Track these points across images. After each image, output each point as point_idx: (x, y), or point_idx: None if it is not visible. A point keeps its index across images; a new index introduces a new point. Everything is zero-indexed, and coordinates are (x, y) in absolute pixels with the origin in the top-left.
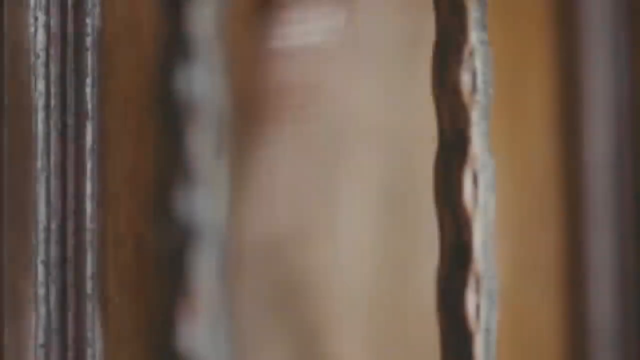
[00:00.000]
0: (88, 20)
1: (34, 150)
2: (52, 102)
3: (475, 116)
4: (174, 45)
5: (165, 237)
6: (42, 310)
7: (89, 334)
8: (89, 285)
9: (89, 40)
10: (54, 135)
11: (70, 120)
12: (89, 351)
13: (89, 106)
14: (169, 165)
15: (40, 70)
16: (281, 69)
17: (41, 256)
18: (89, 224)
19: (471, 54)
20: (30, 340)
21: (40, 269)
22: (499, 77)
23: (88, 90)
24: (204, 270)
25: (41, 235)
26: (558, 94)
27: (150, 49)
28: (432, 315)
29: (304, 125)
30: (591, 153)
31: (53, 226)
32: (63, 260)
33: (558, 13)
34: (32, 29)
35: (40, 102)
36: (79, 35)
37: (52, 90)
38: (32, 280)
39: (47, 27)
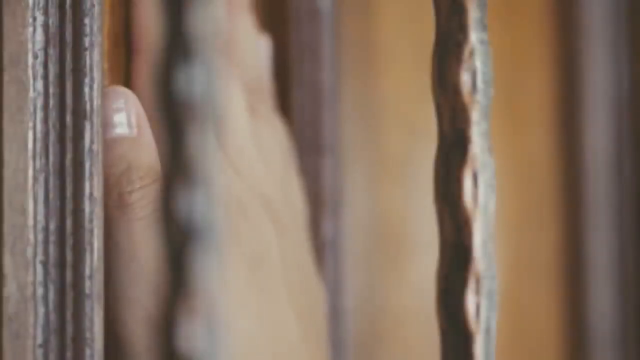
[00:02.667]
0: (87, 20)
1: (32, 150)
2: (51, 102)
3: (475, 116)
4: (174, 45)
5: (165, 237)
6: (41, 310)
7: (88, 334)
8: (87, 285)
9: (87, 41)
10: (52, 135)
11: (69, 121)
12: (87, 351)
13: (88, 106)
14: (169, 165)
15: (39, 70)
16: None
17: (40, 256)
18: (87, 224)
19: (471, 54)
20: (29, 340)
21: (39, 269)
22: (499, 77)
23: (86, 90)
24: (204, 270)
25: (40, 236)
26: (558, 94)
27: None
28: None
29: None
30: (591, 153)
31: (52, 226)
32: (62, 261)
33: (558, 13)
34: (30, 29)
35: (39, 102)
36: (78, 35)
37: (51, 90)
38: (31, 280)
39: (46, 27)
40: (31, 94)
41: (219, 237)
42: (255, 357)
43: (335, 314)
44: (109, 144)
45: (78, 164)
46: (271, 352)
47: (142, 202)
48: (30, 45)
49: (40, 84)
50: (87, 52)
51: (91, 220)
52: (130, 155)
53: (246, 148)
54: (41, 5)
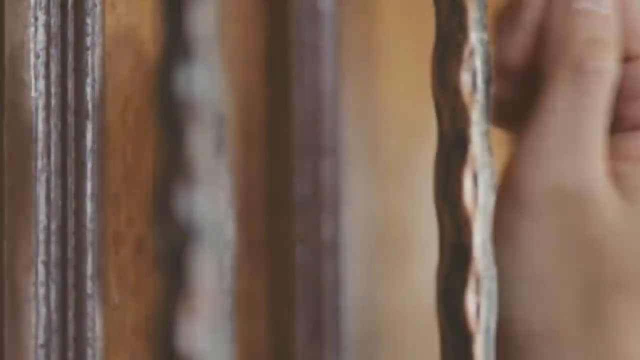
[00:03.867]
0: (88, 20)
1: (34, 150)
2: (53, 101)
3: (475, 116)
4: (174, 45)
5: (165, 237)
6: (43, 310)
7: (89, 334)
8: (89, 285)
9: (89, 40)
10: (54, 135)
11: (71, 120)
12: (89, 351)
13: (89, 106)
14: (169, 165)
15: (41, 70)
16: None
17: (41, 256)
18: (89, 224)
19: (471, 54)
20: (31, 340)
21: (41, 268)
22: None
23: (88, 90)
24: (204, 270)
25: (41, 235)
26: None
27: (150, 49)
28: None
29: None
30: None
31: (53, 226)
32: (63, 260)
33: None
34: (32, 29)
35: (41, 102)
36: (79, 35)
37: (53, 90)
38: (33, 280)
39: (48, 26)
40: (33, 93)
41: (219, 237)
42: None
43: (335, 314)
44: (580, 15)
45: (80, 164)
46: None
47: (601, 73)
48: (32, 45)
49: (42, 84)
50: (89, 52)
51: (93, 220)
52: (597, 31)
53: None
54: (43, 5)
